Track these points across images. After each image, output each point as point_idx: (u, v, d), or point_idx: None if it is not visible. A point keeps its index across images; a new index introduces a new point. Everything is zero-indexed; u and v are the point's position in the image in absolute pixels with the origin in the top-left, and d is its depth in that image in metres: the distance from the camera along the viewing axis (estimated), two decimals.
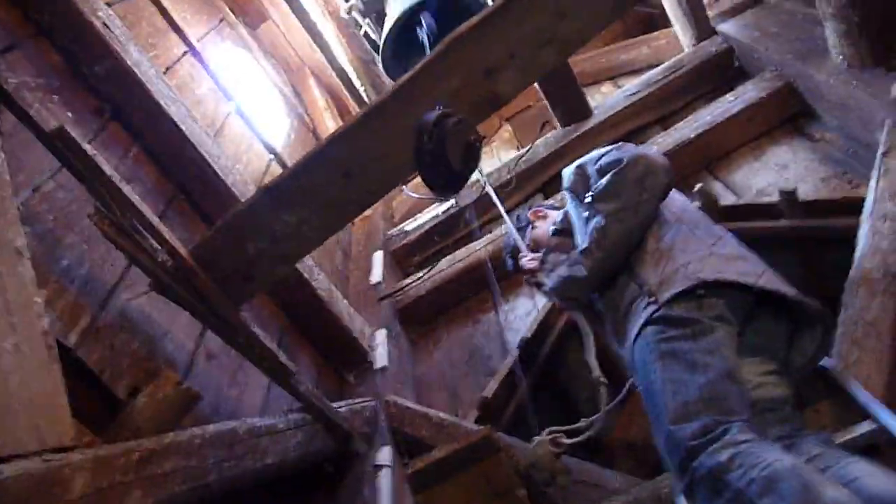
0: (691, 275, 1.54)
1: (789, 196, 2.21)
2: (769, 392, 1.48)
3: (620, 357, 2.23)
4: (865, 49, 2.28)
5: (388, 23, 3.25)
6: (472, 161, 1.49)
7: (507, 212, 2.53)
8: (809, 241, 2.24)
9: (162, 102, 2.14)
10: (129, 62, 2.08)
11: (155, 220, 1.58)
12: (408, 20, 3.19)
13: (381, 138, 1.56)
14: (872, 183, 1.96)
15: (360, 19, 3.56)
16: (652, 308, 1.56)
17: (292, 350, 2.41)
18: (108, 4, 2.51)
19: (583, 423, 1.86)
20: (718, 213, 2.37)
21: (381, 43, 3.33)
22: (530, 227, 2.30)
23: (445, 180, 1.49)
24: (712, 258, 1.58)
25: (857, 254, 1.82)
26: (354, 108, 4.45)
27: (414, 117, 1.49)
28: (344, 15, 3.45)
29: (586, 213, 1.89)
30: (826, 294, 1.73)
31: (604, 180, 1.77)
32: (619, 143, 1.90)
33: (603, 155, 1.85)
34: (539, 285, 2.17)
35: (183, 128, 2.18)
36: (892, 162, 1.97)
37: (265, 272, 1.71)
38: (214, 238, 1.66)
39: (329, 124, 4.13)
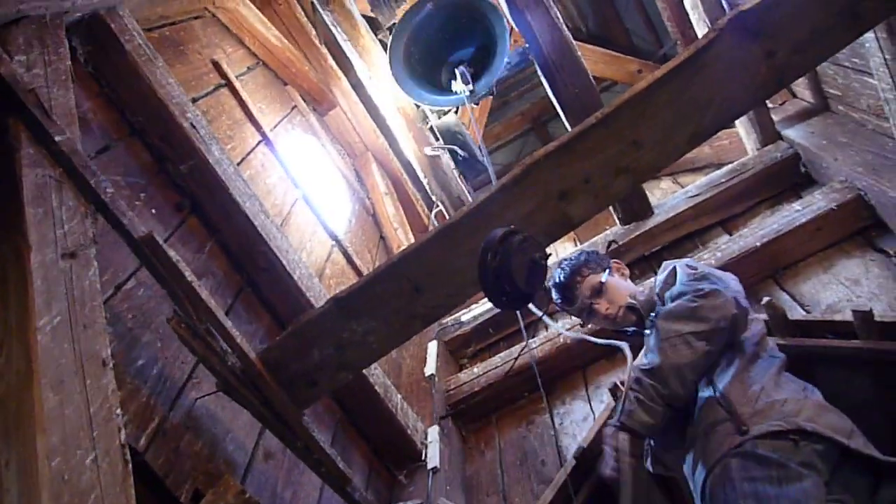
0: (789, 416, 1.50)
1: (865, 316, 2.13)
2: None
3: (673, 469, 2.13)
4: None
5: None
6: (538, 279, 1.49)
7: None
8: (885, 363, 2.15)
9: (239, 199, 2.22)
10: (211, 161, 2.17)
11: (228, 323, 1.62)
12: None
13: (453, 256, 1.59)
14: None
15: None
16: (738, 438, 1.50)
17: (345, 445, 2.39)
18: (194, 101, 2.67)
19: None
20: (788, 327, 2.31)
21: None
22: (608, 271, 2.20)
23: (509, 298, 1.50)
24: (808, 402, 1.53)
25: None
26: (414, 194, 4.55)
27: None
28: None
29: (652, 331, 1.85)
30: None
31: (679, 302, 1.75)
32: (701, 272, 1.88)
33: (688, 279, 1.83)
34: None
35: (256, 223, 2.26)
36: None
37: (329, 378, 1.72)
38: (283, 343, 1.69)
39: (389, 210, 4.22)
